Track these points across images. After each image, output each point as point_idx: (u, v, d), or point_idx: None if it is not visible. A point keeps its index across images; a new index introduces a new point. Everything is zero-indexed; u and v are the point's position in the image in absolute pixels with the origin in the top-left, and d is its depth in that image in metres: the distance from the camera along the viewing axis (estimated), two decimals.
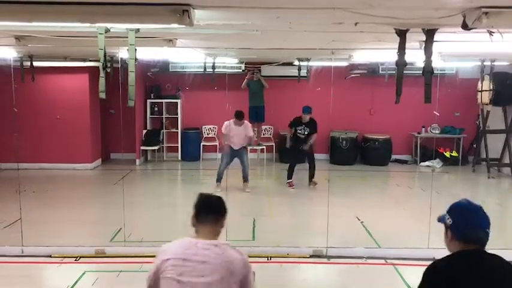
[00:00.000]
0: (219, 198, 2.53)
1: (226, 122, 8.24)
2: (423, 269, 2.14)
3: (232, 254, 2.37)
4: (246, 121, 8.39)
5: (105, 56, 3.42)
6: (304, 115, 8.53)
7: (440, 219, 2.19)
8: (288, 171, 8.79)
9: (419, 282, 2.11)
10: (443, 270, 2.05)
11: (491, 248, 2.09)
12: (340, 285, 5.01)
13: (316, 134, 8.66)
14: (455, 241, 2.10)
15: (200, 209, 2.46)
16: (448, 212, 2.16)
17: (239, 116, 8.15)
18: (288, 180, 8.76)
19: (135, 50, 3.47)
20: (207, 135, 11.47)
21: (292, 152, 8.94)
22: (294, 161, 8.83)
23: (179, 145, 11.22)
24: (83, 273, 5.00)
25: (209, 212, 2.44)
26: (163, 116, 11.27)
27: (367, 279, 5.04)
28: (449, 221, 2.12)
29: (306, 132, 8.58)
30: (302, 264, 5.37)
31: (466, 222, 2.10)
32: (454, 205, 2.18)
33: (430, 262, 2.14)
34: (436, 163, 10.57)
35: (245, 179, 8.42)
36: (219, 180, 8.19)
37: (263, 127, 11.10)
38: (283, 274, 5.17)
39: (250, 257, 5.63)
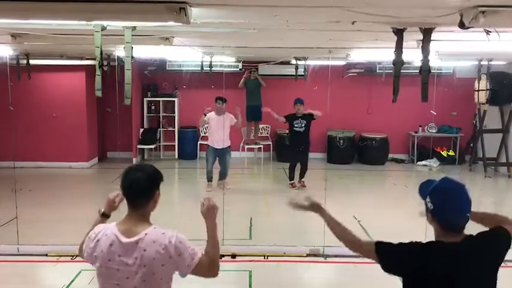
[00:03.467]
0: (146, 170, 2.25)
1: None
2: None
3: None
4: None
5: (101, 54, 3.40)
6: (297, 106, 8.23)
7: (422, 197, 2.16)
8: (289, 170, 8.61)
9: (400, 243, 2.11)
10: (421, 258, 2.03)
11: None
12: (337, 284, 5.02)
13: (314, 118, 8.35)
14: (436, 223, 2.09)
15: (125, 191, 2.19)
16: (430, 195, 2.11)
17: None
18: (290, 181, 8.58)
19: (132, 48, 3.45)
20: (204, 134, 11.45)
21: (292, 150, 8.68)
22: (295, 160, 8.58)
23: (176, 144, 11.21)
24: (79, 272, 4.99)
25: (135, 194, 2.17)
26: (160, 115, 11.25)
27: (364, 278, 5.03)
28: (430, 205, 2.09)
29: (303, 125, 8.29)
30: (299, 263, 5.37)
31: (447, 209, 2.06)
32: (436, 188, 2.13)
33: None
34: (433, 162, 10.58)
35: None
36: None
37: (260, 126, 11.09)
38: (280, 273, 5.17)
39: (247, 256, 5.66)
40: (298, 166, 8.62)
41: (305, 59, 8.77)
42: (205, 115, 8.06)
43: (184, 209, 7.71)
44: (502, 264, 2.13)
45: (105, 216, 2.47)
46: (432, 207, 2.08)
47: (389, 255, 2.13)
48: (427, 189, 2.15)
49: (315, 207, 2.50)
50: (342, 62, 9.05)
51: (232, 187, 8.28)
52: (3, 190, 6.90)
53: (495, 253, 2.12)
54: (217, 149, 8.08)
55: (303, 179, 8.57)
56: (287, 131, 10.92)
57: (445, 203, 2.07)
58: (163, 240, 2.12)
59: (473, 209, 2.16)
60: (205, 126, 11.31)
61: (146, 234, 2.12)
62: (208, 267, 2.20)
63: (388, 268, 2.12)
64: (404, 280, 2.11)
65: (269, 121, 11.09)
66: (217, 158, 8.19)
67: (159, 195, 2.24)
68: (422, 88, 3.38)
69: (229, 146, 8.24)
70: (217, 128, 7.96)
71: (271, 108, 10.44)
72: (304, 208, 2.55)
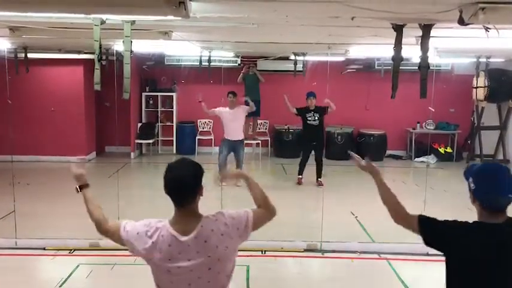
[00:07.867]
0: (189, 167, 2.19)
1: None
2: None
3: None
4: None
5: (100, 48, 3.39)
6: (310, 99, 8.19)
7: (466, 178, 2.22)
8: (299, 165, 8.44)
9: (444, 220, 2.16)
10: (459, 236, 2.11)
11: None
12: (334, 279, 5.03)
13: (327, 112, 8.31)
14: (478, 204, 2.14)
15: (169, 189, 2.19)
16: (473, 176, 2.17)
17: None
18: (298, 176, 8.43)
19: (131, 42, 3.45)
20: (202, 129, 11.45)
21: (305, 145, 8.53)
22: (306, 154, 8.41)
23: (174, 139, 11.20)
24: (77, 266, 5.00)
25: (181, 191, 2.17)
26: (159, 110, 11.25)
27: (361, 274, 5.06)
28: (472, 185, 2.15)
29: (316, 118, 8.22)
30: (296, 258, 5.39)
31: (488, 189, 2.12)
32: (479, 169, 2.21)
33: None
34: (431, 159, 10.60)
35: None
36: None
37: (259, 121, 11.09)
38: (277, 268, 5.18)
39: (245, 250, 5.66)
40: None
41: (304, 54, 8.76)
42: (202, 102, 8.12)
43: None
44: None
45: (86, 187, 2.59)
46: (474, 187, 2.14)
47: (431, 229, 2.18)
48: (471, 171, 2.21)
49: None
50: (340, 58, 9.05)
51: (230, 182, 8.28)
52: (1, 184, 6.90)
53: None
54: (232, 140, 8.08)
55: (320, 179, 8.35)
56: (285, 127, 10.97)
57: (486, 182, 2.13)
58: (219, 226, 2.16)
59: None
60: (206, 121, 11.36)
61: (202, 226, 2.14)
62: (264, 211, 2.33)
63: (428, 242, 2.18)
64: (446, 256, 2.15)
65: (267, 116, 11.10)
66: (231, 151, 8.14)
67: (203, 188, 2.20)
68: (421, 84, 3.39)
69: (243, 140, 8.28)
70: (231, 119, 8.04)
71: (270, 104, 10.46)
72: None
